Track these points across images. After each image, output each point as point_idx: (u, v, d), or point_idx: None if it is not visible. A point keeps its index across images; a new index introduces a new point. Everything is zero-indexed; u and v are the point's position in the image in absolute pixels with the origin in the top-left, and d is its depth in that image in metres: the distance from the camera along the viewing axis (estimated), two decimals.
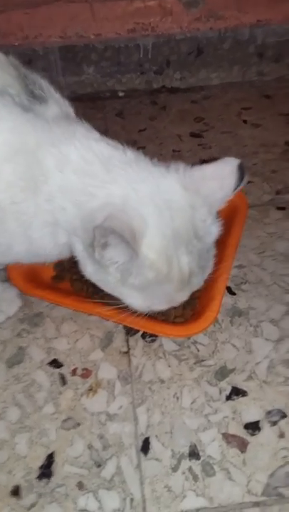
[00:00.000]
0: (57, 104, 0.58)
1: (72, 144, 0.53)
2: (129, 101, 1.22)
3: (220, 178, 0.54)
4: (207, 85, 1.23)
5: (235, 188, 0.55)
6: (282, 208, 0.90)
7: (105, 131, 1.10)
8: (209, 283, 0.72)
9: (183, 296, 0.57)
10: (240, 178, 0.54)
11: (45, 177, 0.53)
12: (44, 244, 0.58)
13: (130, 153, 0.55)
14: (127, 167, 0.53)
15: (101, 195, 0.51)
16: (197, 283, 0.57)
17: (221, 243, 0.78)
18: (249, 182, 0.95)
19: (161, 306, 0.57)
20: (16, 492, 0.56)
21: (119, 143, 0.58)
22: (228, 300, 0.75)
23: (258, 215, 0.89)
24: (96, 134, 0.58)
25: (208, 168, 0.55)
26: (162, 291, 0.55)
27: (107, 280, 0.55)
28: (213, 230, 0.56)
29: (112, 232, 0.46)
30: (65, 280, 0.77)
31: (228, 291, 0.77)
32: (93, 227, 0.47)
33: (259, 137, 1.08)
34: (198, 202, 0.53)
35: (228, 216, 0.82)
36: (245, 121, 1.13)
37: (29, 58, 1.12)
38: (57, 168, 0.53)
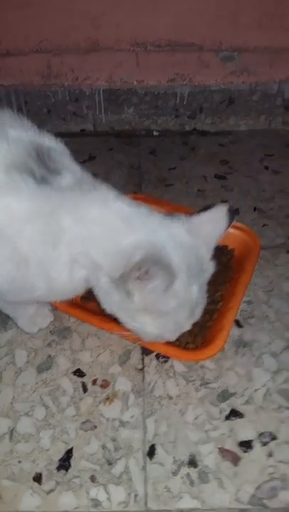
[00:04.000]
0: (70, 173, 0.67)
1: (89, 206, 0.64)
2: (162, 139, 1.36)
3: (214, 222, 0.67)
4: (235, 131, 1.36)
5: (227, 228, 0.68)
6: None
7: (138, 166, 1.26)
8: (220, 315, 0.84)
9: (189, 325, 0.69)
10: (230, 219, 0.67)
11: (64, 232, 0.64)
12: (62, 280, 0.68)
13: (144, 208, 0.67)
14: (144, 218, 0.65)
15: (127, 240, 0.62)
16: (199, 312, 0.69)
17: (233, 280, 0.90)
18: (264, 225, 1.07)
19: (170, 334, 0.69)
20: (38, 479, 0.68)
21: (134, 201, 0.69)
22: (235, 332, 0.86)
23: (270, 257, 1.00)
24: (112, 193, 0.67)
25: (204, 215, 0.68)
26: (175, 319, 0.66)
27: (128, 309, 0.65)
28: (210, 267, 0.68)
29: (156, 264, 0.58)
30: (92, 301, 0.89)
31: (236, 324, 0.87)
32: (134, 262, 0.59)
33: (278, 183, 1.19)
34: (199, 242, 0.66)
35: (242, 256, 0.94)
36: (266, 168, 1.25)
37: (76, 98, 1.28)
38: (75, 224, 0.64)
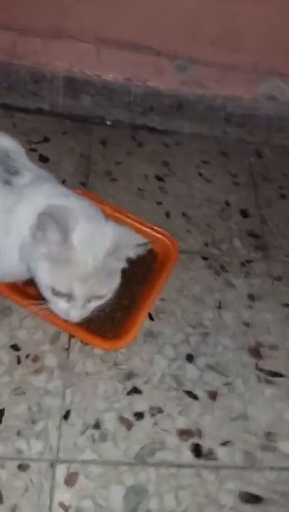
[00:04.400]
0: (28, 172, 0.83)
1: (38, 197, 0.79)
2: (113, 131, 1.45)
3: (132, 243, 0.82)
4: (179, 132, 1.47)
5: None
6: (206, 258, 1.21)
7: (88, 156, 1.35)
8: (136, 311, 1.03)
9: (79, 289, 0.77)
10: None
11: (17, 220, 0.80)
12: (11, 262, 0.84)
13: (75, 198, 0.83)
14: (67, 198, 0.81)
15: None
16: (94, 287, 0.79)
17: (153, 280, 1.09)
18: (188, 231, 1.25)
19: (61, 286, 0.77)
20: None
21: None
22: (147, 324, 1.06)
23: (186, 260, 1.19)
24: (60, 189, 0.84)
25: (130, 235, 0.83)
26: (67, 272, 0.76)
27: (34, 254, 0.77)
28: (117, 264, 0.83)
29: (50, 217, 0.71)
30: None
31: (148, 317, 1.07)
32: (38, 214, 0.73)
33: (207, 191, 1.36)
34: (117, 242, 0.80)
35: (163, 259, 1.12)
36: (200, 174, 1.40)
37: (37, 79, 1.32)
38: (26, 212, 0.79)
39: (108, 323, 0.99)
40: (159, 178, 1.36)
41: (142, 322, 0.98)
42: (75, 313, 0.82)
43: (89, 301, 0.83)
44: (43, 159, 1.30)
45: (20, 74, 1.32)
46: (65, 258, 0.76)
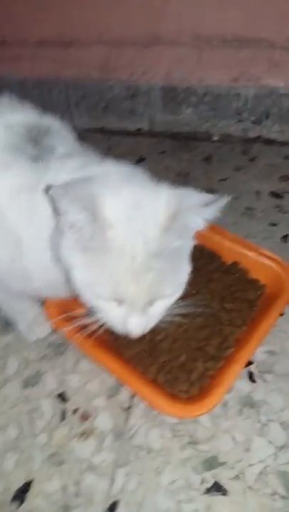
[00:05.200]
0: (63, 148, 0.64)
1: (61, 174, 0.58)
2: (221, 146, 1.21)
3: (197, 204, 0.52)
4: None
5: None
6: None
7: (186, 174, 1.13)
8: (227, 364, 0.71)
9: (128, 289, 0.53)
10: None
11: (43, 203, 0.58)
12: (47, 263, 0.61)
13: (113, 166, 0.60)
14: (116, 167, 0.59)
15: None
16: (151, 284, 0.53)
17: (254, 323, 0.75)
18: None
19: (103, 288, 0.54)
20: None
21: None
22: (245, 386, 0.72)
23: None
24: (91, 160, 0.62)
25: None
26: (110, 268, 0.53)
27: (63, 247, 0.55)
28: (182, 243, 0.55)
29: (66, 192, 0.49)
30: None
31: (248, 377, 0.73)
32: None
33: None
34: (175, 208, 0.52)
35: (274, 295, 0.79)
36: None
37: (133, 93, 1.19)
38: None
39: (183, 377, 0.69)
40: (275, 195, 1.05)
41: (234, 380, 0.66)
42: (136, 322, 0.56)
43: (150, 303, 0.56)
44: None
45: (114, 91, 1.20)
46: (101, 244, 0.52)
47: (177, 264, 0.56)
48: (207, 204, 0.51)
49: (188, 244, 0.57)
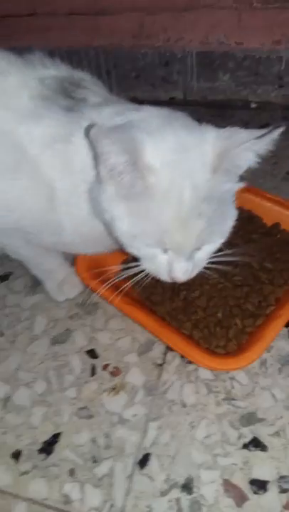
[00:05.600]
0: (97, 99, 0.66)
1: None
2: (260, 113, 1.22)
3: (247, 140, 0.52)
4: None
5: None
6: None
7: None
8: (266, 321, 0.71)
9: (175, 238, 0.55)
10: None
11: (78, 153, 0.61)
12: (83, 217, 0.64)
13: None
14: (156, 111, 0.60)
15: None
16: (197, 233, 0.55)
17: None
18: None
19: (148, 239, 0.56)
20: (16, 455, 0.65)
21: None
22: (285, 346, 0.73)
23: None
24: (128, 107, 0.64)
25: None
26: (155, 216, 0.54)
27: (104, 198, 0.57)
28: (230, 186, 0.56)
29: (102, 135, 0.50)
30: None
31: None
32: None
33: None
34: (224, 147, 0.53)
35: None
36: None
37: (167, 60, 1.22)
38: (85, 144, 0.60)
39: (220, 333, 0.70)
40: None
41: (274, 337, 0.66)
42: (181, 267, 0.58)
43: (198, 248, 0.58)
44: None
45: (148, 58, 1.23)
46: (146, 191, 0.53)
47: (226, 208, 0.58)
48: (259, 137, 0.51)
49: (236, 186, 0.58)
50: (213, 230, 0.56)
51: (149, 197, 0.53)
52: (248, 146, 0.52)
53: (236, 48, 1.16)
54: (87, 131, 0.56)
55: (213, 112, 1.25)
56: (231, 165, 0.54)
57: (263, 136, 0.51)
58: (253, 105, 1.24)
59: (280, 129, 0.52)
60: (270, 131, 0.51)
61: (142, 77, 1.28)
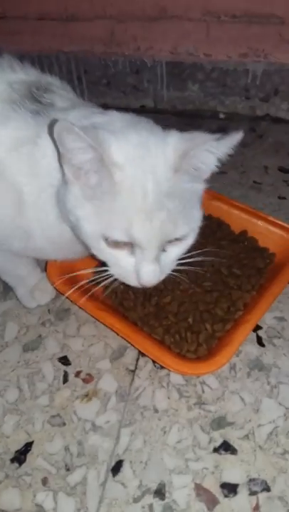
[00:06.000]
0: (66, 102, 0.66)
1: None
2: (227, 124, 1.25)
3: (206, 141, 0.54)
4: None
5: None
6: None
7: None
8: (235, 326, 0.73)
9: (142, 228, 0.54)
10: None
11: (45, 156, 0.61)
12: (51, 222, 0.63)
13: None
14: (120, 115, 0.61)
15: None
16: (164, 224, 0.55)
17: (262, 288, 0.78)
18: None
19: (116, 233, 0.56)
20: None
21: None
22: (254, 350, 0.74)
23: None
24: (94, 111, 0.64)
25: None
26: (122, 210, 0.54)
27: (69, 199, 0.57)
28: (193, 186, 0.57)
29: (72, 128, 0.49)
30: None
31: (257, 342, 0.75)
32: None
33: None
34: (184, 148, 0.54)
35: (282, 263, 0.81)
36: None
37: (137, 68, 1.23)
38: (51, 147, 0.60)
39: (191, 338, 0.71)
40: (284, 171, 1.08)
41: (243, 341, 0.68)
42: (148, 269, 0.57)
43: (164, 249, 0.58)
44: None
45: (119, 66, 1.24)
46: (112, 187, 0.53)
47: (189, 205, 0.58)
48: (218, 139, 0.53)
49: (199, 188, 0.59)
50: (176, 223, 0.56)
51: (114, 193, 0.53)
52: (208, 148, 0.53)
53: (205, 60, 1.18)
54: (51, 127, 0.57)
55: (183, 121, 1.27)
56: (192, 165, 0.55)
57: (221, 139, 0.53)
58: (222, 116, 1.26)
59: (240, 135, 0.53)
60: (229, 136, 0.53)
61: (112, 84, 1.28)
